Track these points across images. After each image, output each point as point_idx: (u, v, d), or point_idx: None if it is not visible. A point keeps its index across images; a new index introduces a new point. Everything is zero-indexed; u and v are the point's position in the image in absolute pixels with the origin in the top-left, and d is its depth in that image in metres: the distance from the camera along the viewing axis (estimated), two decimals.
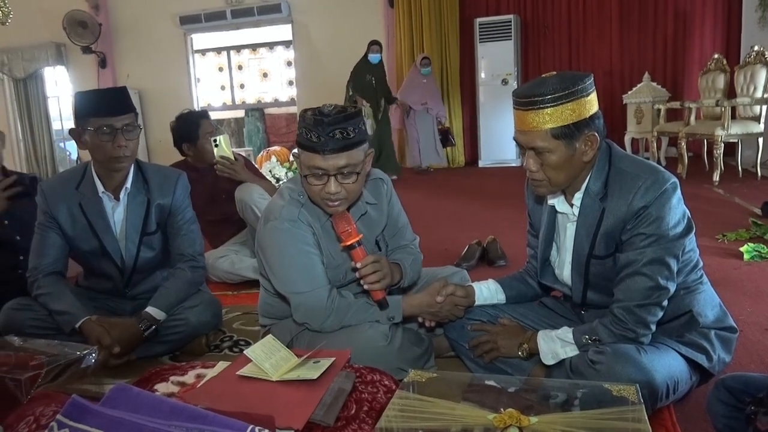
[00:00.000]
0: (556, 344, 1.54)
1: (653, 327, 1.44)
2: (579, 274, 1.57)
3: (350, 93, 6.63)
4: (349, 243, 1.65)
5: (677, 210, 1.42)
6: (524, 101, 1.42)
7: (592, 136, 1.43)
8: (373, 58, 6.71)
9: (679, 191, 1.43)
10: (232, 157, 2.81)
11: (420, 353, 1.75)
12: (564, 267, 1.63)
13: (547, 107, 1.38)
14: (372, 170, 1.84)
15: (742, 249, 2.97)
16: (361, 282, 1.68)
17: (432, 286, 1.78)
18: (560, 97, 1.38)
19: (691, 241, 1.49)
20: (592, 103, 1.42)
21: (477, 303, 1.77)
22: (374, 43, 6.76)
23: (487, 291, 1.78)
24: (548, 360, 1.54)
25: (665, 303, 1.44)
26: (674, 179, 1.43)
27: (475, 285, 1.79)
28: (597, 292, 1.57)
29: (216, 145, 2.77)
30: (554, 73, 1.45)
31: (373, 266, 1.66)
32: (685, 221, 1.44)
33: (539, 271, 1.71)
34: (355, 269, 1.68)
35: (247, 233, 2.97)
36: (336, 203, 1.63)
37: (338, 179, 1.59)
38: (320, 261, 1.72)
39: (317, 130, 1.55)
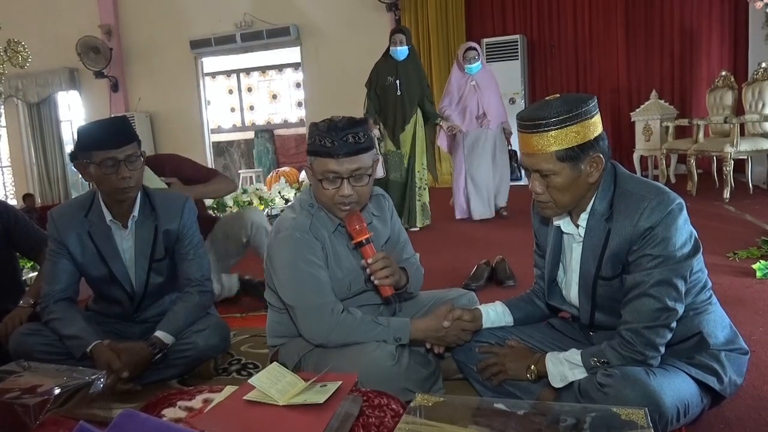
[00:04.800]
0: (564, 367, 1.52)
1: (662, 349, 1.43)
2: (586, 295, 1.57)
3: (365, 111, 4.86)
4: (360, 239, 1.72)
5: (684, 231, 1.41)
6: (528, 124, 1.43)
7: (597, 158, 1.43)
8: (398, 52, 4.73)
9: (685, 212, 1.43)
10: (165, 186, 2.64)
11: (427, 375, 1.75)
12: (571, 288, 1.62)
13: (552, 130, 1.39)
14: (373, 187, 1.89)
15: (754, 267, 2.94)
16: (372, 278, 1.72)
17: (439, 309, 1.78)
18: (564, 119, 1.39)
19: (699, 261, 1.48)
20: (596, 125, 1.43)
21: (484, 326, 1.76)
22: (397, 32, 4.82)
23: (495, 313, 1.77)
24: (557, 383, 1.53)
25: (674, 324, 1.43)
26: (680, 200, 1.42)
27: (482, 307, 1.79)
28: (605, 314, 1.56)
29: None
30: (557, 95, 1.46)
31: (384, 261, 1.72)
32: (692, 242, 1.43)
33: (546, 292, 1.71)
34: (364, 268, 1.73)
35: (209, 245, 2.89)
36: (348, 206, 1.71)
37: (351, 182, 1.68)
38: (327, 276, 1.75)
39: (331, 135, 1.64)
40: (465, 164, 5.05)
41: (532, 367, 1.59)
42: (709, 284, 1.54)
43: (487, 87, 5.03)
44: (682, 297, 1.41)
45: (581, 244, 1.54)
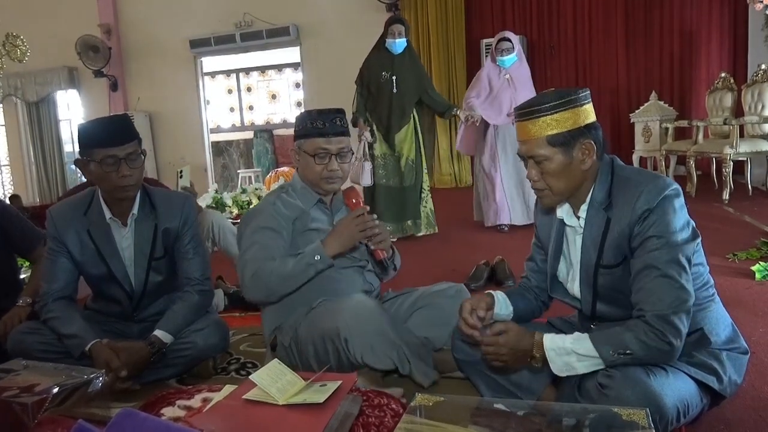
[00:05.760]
0: (572, 357, 1.44)
1: (682, 340, 1.39)
2: (588, 285, 1.57)
3: (355, 110, 4.36)
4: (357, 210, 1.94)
5: (680, 215, 1.43)
6: (523, 112, 1.51)
7: (588, 144, 1.48)
8: (396, 44, 4.25)
9: (681, 198, 1.45)
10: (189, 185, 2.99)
11: (418, 343, 1.86)
12: (574, 280, 1.62)
13: (543, 116, 1.46)
14: None
15: (753, 268, 2.94)
16: (368, 243, 1.93)
17: (344, 221, 1.91)
18: (555, 105, 1.46)
19: (699, 254, 1.49)
20: (587, 113, 1.49)
21: (496, 310, 1.67)
22: (395, 22, 4.31)
23: (502, 296, 1.71)
24: (561, 372, 1.46)
25: (691, 310, 1.39)
26: (676, 185, 1.45)
27: (491, 293, 1.71)
28: (607, 304, 1.56)
29: (181, 177, 2.97)
30: (552, 89, 1.55)
31: (379, 228, 1.92)
32: (690, 228, 1.45)
33: (549, 286, 1.71)
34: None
35: None
36: (333, 181, 1.97)
37: (337, 159, 1.95)
38: (280, 241, 1.91)
39: (322, 118, 1.95)
40: (500, 162, 4.47)
41: (536, 355, 1.48)
42: (712, 282, 1.54)
43: (523, 83, 4.49)
44: (690, 278, 1.41)
45: (582, 235, 1.55)
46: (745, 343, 1.54)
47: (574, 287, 1.63)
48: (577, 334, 1.46)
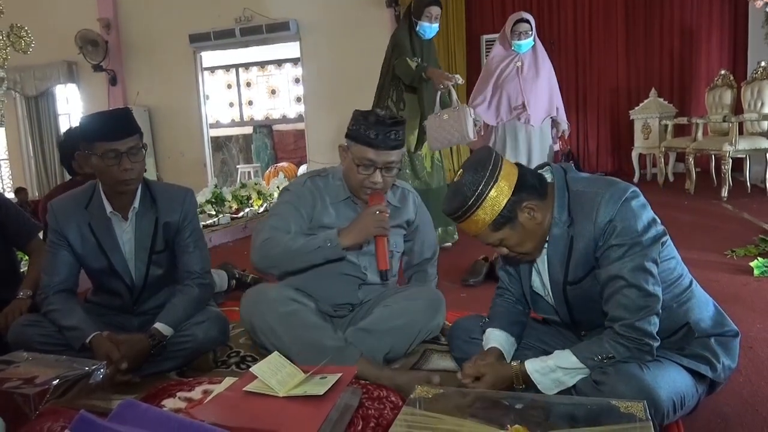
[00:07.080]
0: (557, 374, 1.48)
1: (657, 337, 1.42)
2: (561, 301, 1.58)
3: (415, 67, 3.62)
4: None
5: (643, 215, 1.42)
6: (455, 217, 1.48)
7: (528, 204, 1.46)
8: (431, 29, 3.74)
9: (641, 198, 1.45)
10: None
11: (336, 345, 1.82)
12: (550, 297, 1.63)
13: (474, 211, 1.44)
14: (399, 181, 2.12)
15: (751, 264, 2.95)
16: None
17: (363, 219, 1.90)
18: (477, 196, 1.42)
19: (669, 249, 1.49)
20: (507, 177, 1.45)
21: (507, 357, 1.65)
22: (433, 3, 3.72)
23: (507, 342, 1.66)
24: (552, 390, 1.49)
25: (660, 311, 1.42)
26: (633, 188, 1.45)
27: (494, 342, 1.65)
28: (585, 315, 1.57)
29: None
30: (461, 171, 1.49)
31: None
32: (657, 226, 1.44)
33: (531, 304, 1.71)
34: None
35: None
36: (371, 192, 1.94)
37: (382, 172, 1.90)
38: (296, 219, 1.96)
39: (377, 129, 1.86)
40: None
41: (517, 386, 1.52)
42: (686, 271, 1.55)
43: (535, 71, 3.82)
44: (658, 280, 1.42)
45: (548, 254, 1.55)
46: (733, 325, 1.55)
47: (551, 302, 1.64)
48: (557, 352, 1.51)
